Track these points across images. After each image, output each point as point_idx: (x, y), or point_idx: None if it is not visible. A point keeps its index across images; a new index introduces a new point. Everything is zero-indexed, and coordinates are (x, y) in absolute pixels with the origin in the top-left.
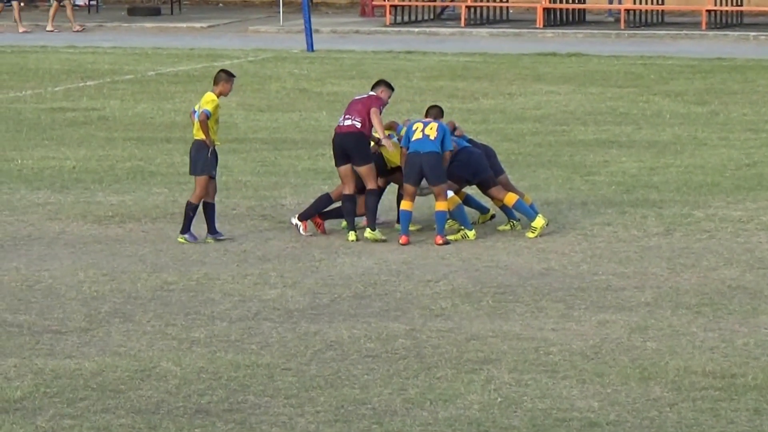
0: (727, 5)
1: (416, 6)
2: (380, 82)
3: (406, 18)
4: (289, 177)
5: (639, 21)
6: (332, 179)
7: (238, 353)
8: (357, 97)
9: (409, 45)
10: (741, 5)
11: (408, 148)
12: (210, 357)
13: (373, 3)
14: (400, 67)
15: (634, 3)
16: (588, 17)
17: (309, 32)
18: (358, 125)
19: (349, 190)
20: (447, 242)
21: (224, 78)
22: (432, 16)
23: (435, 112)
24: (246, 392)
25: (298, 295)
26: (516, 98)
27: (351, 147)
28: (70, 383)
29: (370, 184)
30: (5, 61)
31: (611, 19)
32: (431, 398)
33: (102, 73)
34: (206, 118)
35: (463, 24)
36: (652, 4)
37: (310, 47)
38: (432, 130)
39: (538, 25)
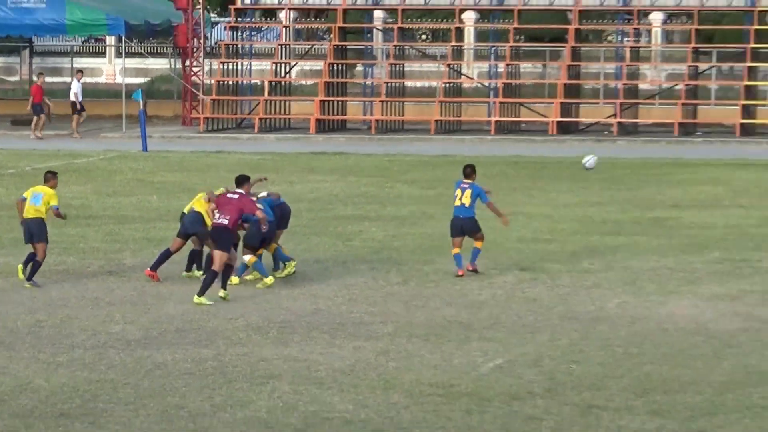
0: (449, 116)
1: (222, 118)
2: (245, 179)
3: (215, 126)
4: (129, 244)
5: (385, 128)
6: (162, 245)
7: (91, 372)
8: (229, 196)
9: (218, 147)
10: (460, 116)
11: None
12: (70, 375)
13: (191, 116)
14: (211, 163)
15: (382, 114)
16: (348, 125)
17: (144, 137)
18: (226, 222)
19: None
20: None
21: (51, 176)
22: (234, 125)
23: None
24: (96, 401)
25: (135, 330)
26: (296, 185)
27: (217, 237)
28: None
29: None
30: None
31: (365, 126)
32: (231, 404)
33: None
34: (58, 211)
35: (256, 131)
36: (395, 115)
37: (145, 149)
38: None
39: (311, 132)
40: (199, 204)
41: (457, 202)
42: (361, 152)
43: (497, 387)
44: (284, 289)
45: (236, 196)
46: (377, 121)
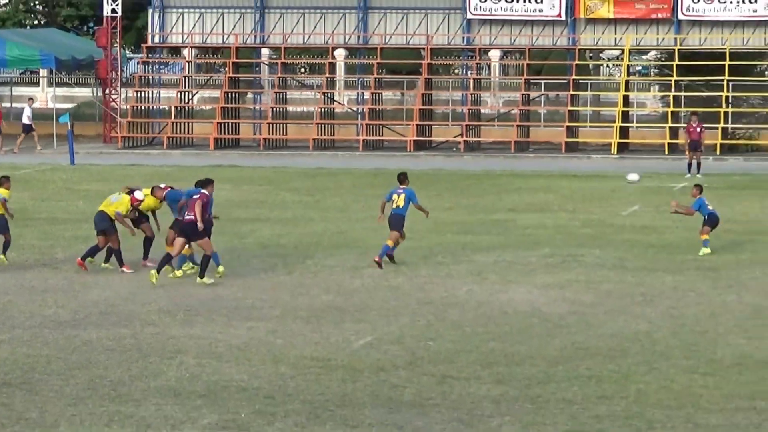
0: (325, 135)
1: (137, 137)
2: (208, 182)
3: (131, 144)
4: (60, 241)
5: (272, 145)
6: (88, 242)
7: (29, 348)
8: (195, 197)
9: (133, 161)
10: (334, 135)
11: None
12: (11, 351)
13: (111, 135)
14: (127, 174)
15: (269, 134)
16: (241, 143)
17: (72, 153)
18: (191, 218)
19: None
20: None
21: (5, 180)
22: (147, 143)
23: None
24: (34, 372)
25: (65, 313)
26: None
27: (189, 231)
28: None
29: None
30: None
31: (255, 144)
32: (146, 374)
33: None
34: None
35: (165, 147)
36: (279, 135)
37: (73, 162)
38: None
39: (210, 148)
40: (104, 205)
41: (394, 205)
42: (252, 165)
43: (367, 360)
44: (188, 279)
45: (198, 195)
46: (265, 139)
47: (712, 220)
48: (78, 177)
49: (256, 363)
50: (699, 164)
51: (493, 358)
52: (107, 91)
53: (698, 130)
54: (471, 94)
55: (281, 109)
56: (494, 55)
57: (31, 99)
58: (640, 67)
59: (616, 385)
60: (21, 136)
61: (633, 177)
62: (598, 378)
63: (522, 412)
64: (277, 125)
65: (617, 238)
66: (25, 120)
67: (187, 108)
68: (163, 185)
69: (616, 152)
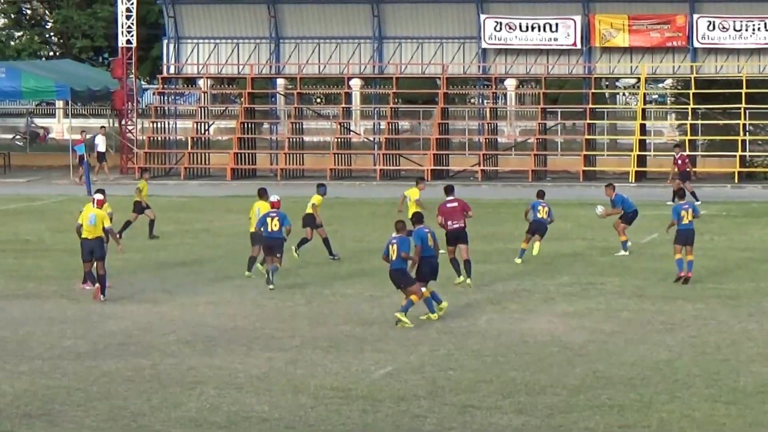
0: (342, 165)
1: (153, 167)
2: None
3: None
4: (78, 272)
5: (289, 175)
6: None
7: (48, 379)
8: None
9: (150, 191)
10: (350, 165)
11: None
12: (31, 382)
13: (127, 166)
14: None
15: (286, 164)
16: (258, 173)
17: (88, 183)
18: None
19: None
20: None
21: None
22: (163, 173)
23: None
24: (53, 403)
25: (84, 343)
26: (214, 223)
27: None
28: None
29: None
30: None
31: (272, 174)
32: (166, 405)
33: None
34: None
35: (182, 178)
36: (296, 165)
37: (89, 193)
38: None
39: (228, 179)
40: (90, 231)
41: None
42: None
43: (387, 390)
44: (207, 309)
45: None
46: (282, 169)
47: (629, 216)
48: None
49: (277, 393)
50: (693, 193)
51: (514, 387)
52: (123, 122)
53: (679, 161)
54: (488, 123)
55: (298, 140)
56: (510, 84)
57: (103, 128)
58: (656, 96)
59: (638, 414)
60: (98, 165)
61: (599, 210)
62: (620, 407)
63: None
64: (294, 155)
65: (636, 266)
66: (99, 149)
67: (203, 138)
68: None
69: (633, 180)
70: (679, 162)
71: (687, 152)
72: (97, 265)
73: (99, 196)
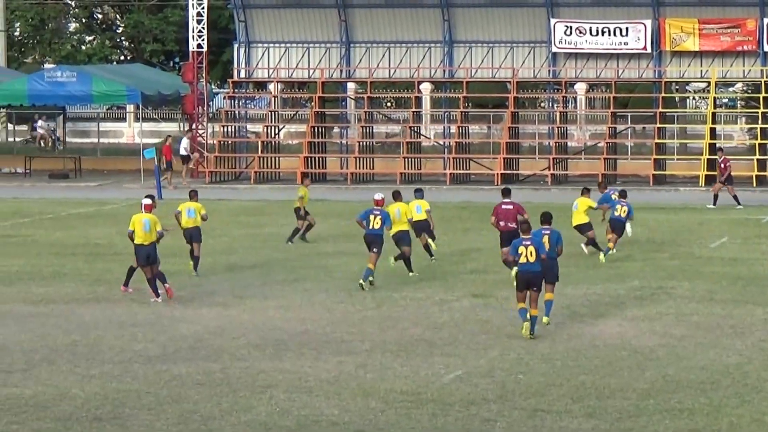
0: (412, 169)
1: (224, 171)
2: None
3: (218, 179)
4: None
5: (359, 179)
6: (174, 277)
7: (119, 383)
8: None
9: (221, 195)
10: (420, 169)
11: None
12: (102, 385)
13: (198, 170)
14: (215, 207)
15: (356, 168)
16: (328, 177)
17: (159, 187)
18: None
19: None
20: None
21: (194, 194)
22: (234, 178)
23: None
24: (124, 407)
25: (154, 347)
26: (285, 227)
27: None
28: (16, 402)
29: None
30: None
31: (342, 178)
32: (236, 409)
33: (33, 213)
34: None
35: (252, 182)
36: (366, 169)
37: (160, 197)
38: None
39: (298, 183)
40: (144, 237)
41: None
42: (340, 199)
43: (457, 394)
44: (277, 312)
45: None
46: (352, 173)
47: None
48: (165, 212)
49: (347, 397)
50: (735, 196)
51: (583, 391)
52: (194, 126)
53: (722, 165)
54: (557, 127)
55: (368, 143)
56: (580, 88)
57: (189, 131)
58: (726, 99)
59: (707, 418)
60: (183, 167)
61: (628, 229)
62: (690, 411)
63: None
64: (364, 159)
65: (706, 271)
66: (182, 151)
67: (273, 143)
68: None
69: (703, 184)
70: (722, 166)
71: (729, 156)
72: (153, 269)
73: (147, 201)
